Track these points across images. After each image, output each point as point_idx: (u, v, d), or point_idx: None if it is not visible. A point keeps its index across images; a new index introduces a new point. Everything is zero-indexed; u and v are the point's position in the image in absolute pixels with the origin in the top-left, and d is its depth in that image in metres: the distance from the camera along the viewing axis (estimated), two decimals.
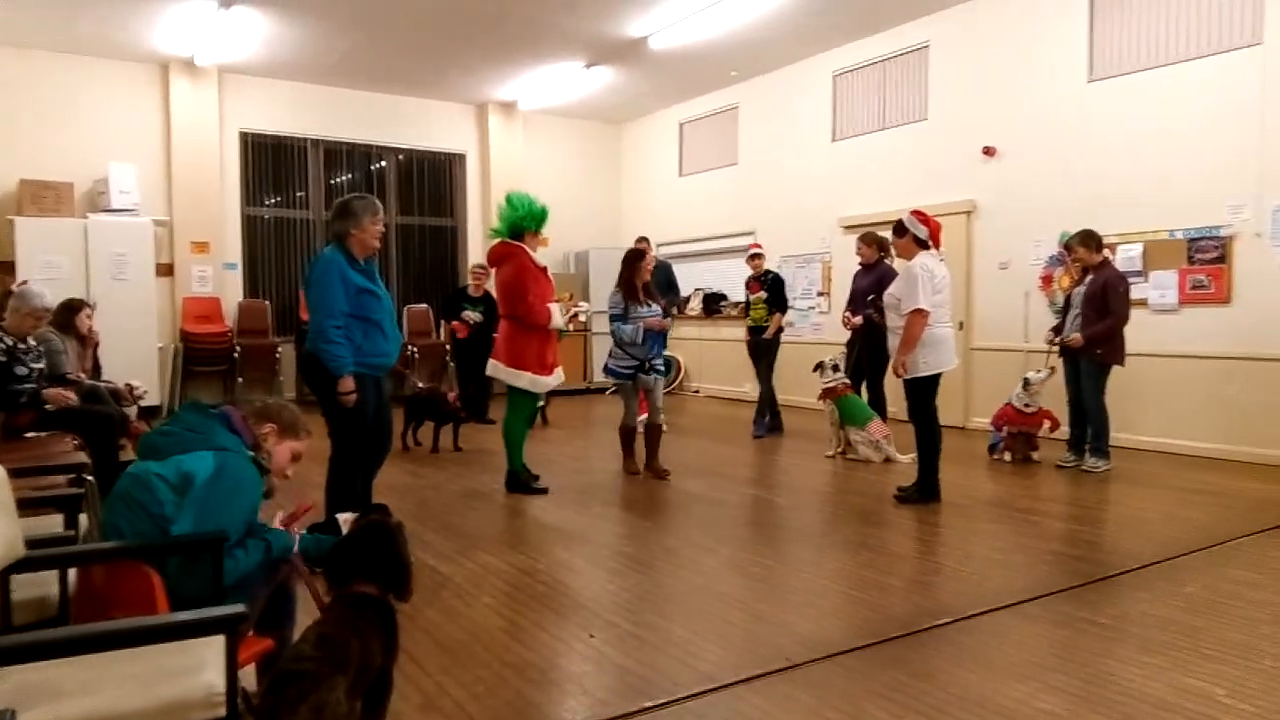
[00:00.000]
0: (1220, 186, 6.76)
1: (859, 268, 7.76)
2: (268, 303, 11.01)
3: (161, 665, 1.86)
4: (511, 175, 12.12)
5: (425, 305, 11.97)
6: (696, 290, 12.23)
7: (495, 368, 5.80)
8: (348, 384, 4.16)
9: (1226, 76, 6.76)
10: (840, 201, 9.99)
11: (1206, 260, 6.89)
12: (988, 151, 8.39)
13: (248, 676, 2.41)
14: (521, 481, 5.83)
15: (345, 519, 3.93)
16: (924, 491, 5.39)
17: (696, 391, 12.13)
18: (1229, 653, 3.09)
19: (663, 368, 6.39)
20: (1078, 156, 7.69)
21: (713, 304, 11.83)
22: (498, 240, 5.84)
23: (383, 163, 12.07)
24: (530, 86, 11.42)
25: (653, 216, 13.04)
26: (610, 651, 3.16)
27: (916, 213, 5.44)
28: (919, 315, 5.16)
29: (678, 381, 12.08)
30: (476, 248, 12.02)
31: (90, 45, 9.57)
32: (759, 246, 8.78)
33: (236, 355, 10.28)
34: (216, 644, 1.82)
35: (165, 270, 10.19)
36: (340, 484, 4.33)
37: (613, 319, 6.15)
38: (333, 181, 11.73)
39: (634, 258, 6.22)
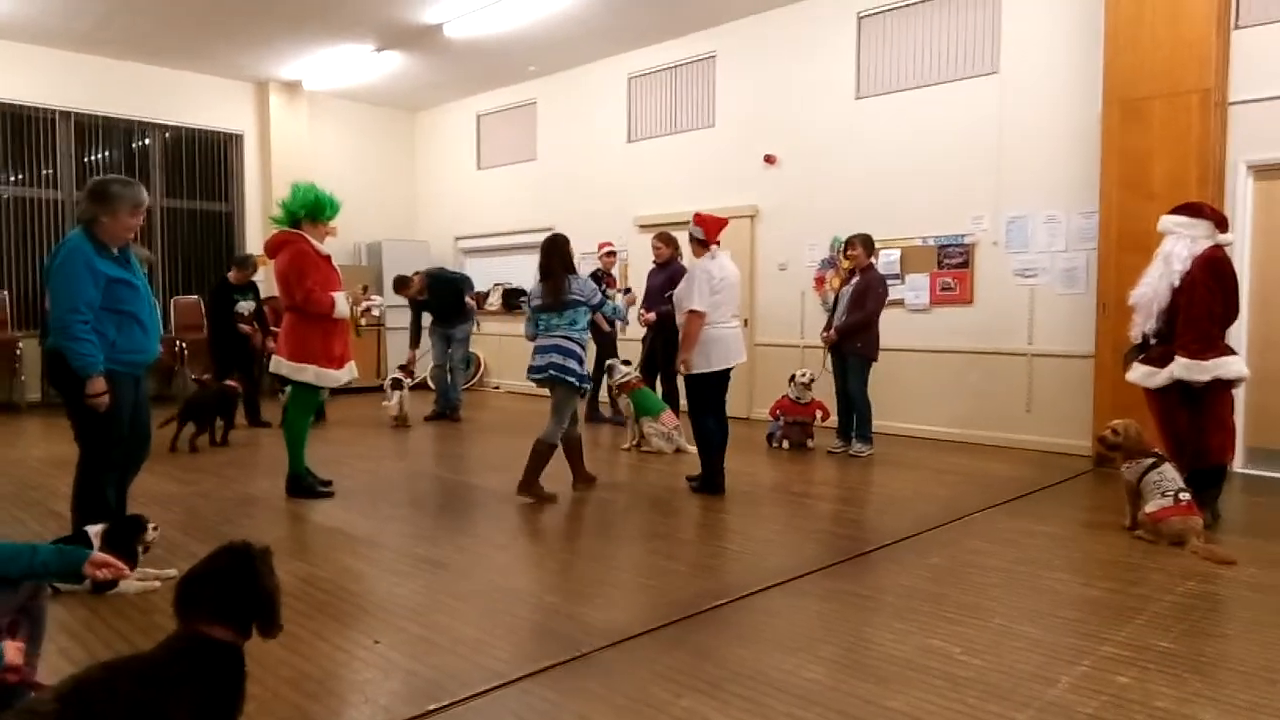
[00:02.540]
0: (964, 199, 7.58)
1: (653, 265, 8.00)
2: (5, 293, 9.74)
3: None
4: (295, 159, 11.44)
5: (196, 296, 11.03)
6: (496, 285, 12.13)
7: (278, 363, 5.41)
8: (98, 385, 3.76)
9: (970, 100, 7.58)
10: (636, 201, 10.25)
11: (953, 265, 7.70)
12: (768, 159, 8.91)
13: None
14: (305, 485, 5.51)
15: (95, 531, 3.60)
16: (706, 485, 5.62)
17: (497, 387, 12.02)
18: (965, 615, 3.48)
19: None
20: (846, 167, 8.34)
21: (512, 299, 11.77)
22: (276, 229, 5.51)
23: (147, 140, 11.00)
24: (316, 66, 10.82)
25: (450, 209, 12.78)
26: (396, 656, 3.08)
27: (697, 215, 5.68)
28: (694, 316, 5.40)
29: (478, 377, 11.93)
30: (256, 234, 11.25)
31: None
32: (612, 244, 8.88)
33: None
34: None
35: None
36: (89, 493, 3.92)
37: (596, 308, 5.47)
38: (87, 159, 10.54)
39: (565, 240, 5.49)
